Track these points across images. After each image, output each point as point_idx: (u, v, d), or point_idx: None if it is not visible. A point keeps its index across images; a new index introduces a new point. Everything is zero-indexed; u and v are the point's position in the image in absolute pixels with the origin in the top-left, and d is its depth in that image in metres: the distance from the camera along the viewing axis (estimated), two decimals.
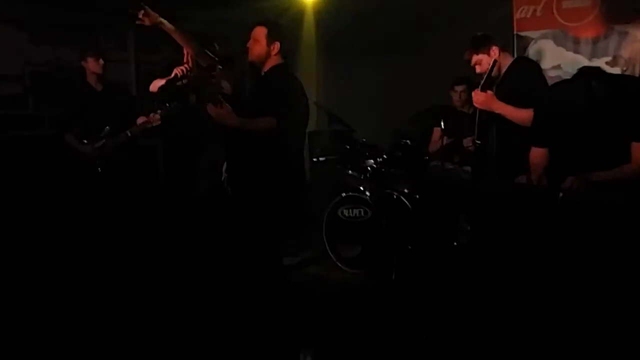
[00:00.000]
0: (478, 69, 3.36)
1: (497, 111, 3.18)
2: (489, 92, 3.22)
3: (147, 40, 5.63)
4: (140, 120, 4.11)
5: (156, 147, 5.19)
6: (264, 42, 3.09)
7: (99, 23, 5.59)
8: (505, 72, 3.30)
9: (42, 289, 3.68)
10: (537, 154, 2.80)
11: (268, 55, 3.10)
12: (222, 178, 3.36)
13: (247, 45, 3.17)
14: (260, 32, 3.10)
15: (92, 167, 4.16)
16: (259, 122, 2.96)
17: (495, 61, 3.24)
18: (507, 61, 3.31)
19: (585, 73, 2.58)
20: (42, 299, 3.52)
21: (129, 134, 4.10)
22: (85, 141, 4.17)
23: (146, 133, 4.16)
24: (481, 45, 3.31)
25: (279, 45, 3.09)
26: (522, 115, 3.07)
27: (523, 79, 3.21)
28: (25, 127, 5.24)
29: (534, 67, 3.38)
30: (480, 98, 3.21)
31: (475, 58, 3.34)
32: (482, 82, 3.25)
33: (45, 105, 5.36)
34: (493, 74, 3.28)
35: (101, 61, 4.24)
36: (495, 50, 3.27)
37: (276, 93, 3.03)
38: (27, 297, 3.53)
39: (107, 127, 4.13)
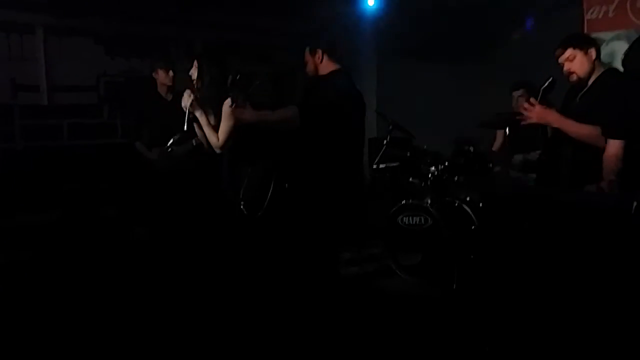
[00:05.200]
0: (567, 66, 3.04)
1: (554, 125, 2.99)
2: (540, 105, 3.01)
3: (214, 51, 5.82)
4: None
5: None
6: (309, 58, 3.32)
7: (169, 35, 5.84)
8: (593, 83, 3.03)
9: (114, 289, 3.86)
10: (614, 148, 2.64)
11: (316, 66, 3.30)
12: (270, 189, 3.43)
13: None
14: (305, 54, 3.34)
15: (159, 173, 4.35)
16: (276, 113, 3.17)
17: (553, 80, 3.01)
18: (596, 72, 3.03)
19: None
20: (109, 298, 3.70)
21: (194, 143, 4.23)
22: (153, 149, 4.37)
23: None
24: (582, 42, 3.03)
25: (321, 52, 3.26)
26: (583, 130, 2.90)
27: (608, 96, 2.91)
28: (99, 135, 5.54)
29: (623, 83, 2.95)
30: (535, 111, 2.98)
31: (569, 51, 3.02)
32: (540, 95, 3.06)
33: (118, 114, 5.66)
34: (581, 79, 3.02)
35: (171, 73, 4.42)
36: (593, 52, 3.00)
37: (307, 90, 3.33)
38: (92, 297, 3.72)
39: (175, 136, 4.30)
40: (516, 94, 4.42)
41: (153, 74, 4.48)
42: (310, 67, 3.33)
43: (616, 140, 2.64)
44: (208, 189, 4.13)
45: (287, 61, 5.86)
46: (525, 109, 3.04)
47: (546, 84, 3.06)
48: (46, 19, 5.16)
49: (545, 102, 3.10)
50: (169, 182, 4.34)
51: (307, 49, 3.30)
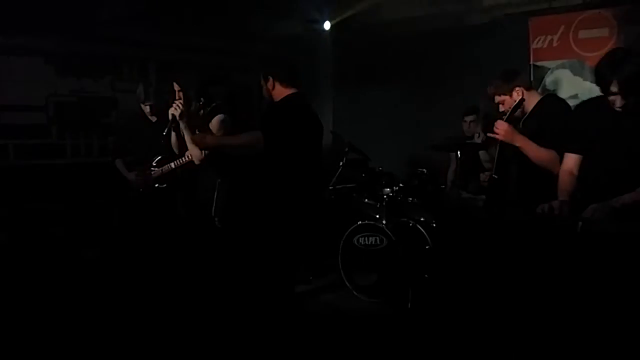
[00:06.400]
0: (502, 108, 3.26)
1: (517, 144, 3.07)
2: (509, 125, 3.10)
3: (167, 71, 5.80)
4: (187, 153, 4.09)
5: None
6: (263, 84, 3.33)
7: (122, 54, 5.75)
8: (533, 109, 3.20)
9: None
10: (570, 162, 2.73)
11: (270, 92, 3.31)
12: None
13: None
14: (261, 80, 3.34)
15: (134, 193, 4.33)
16: (240, 137, 3.26)
17: (522, 99, 3.16)
18: (534, 99, 3.21)
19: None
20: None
21: (173, 166, 4.17)
22: (132, 169, 4.36)
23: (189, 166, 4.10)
24: (505, 89, 3.22)
25: (272, 79, 3.27)
26: (542, 154, 3.00)
27: (551, 118, 3.08)
28: (48, 156, 5.37)
29: (563, 105, 3.21)
30: (503, 129, 3.09)
31: (497, 98, 3.27)
32: (508, 113, 3.18)
33: (68, 134, 5.51)
34: (517, 112, 3.20)
35: (153, 109, 4.37)
36: (519, 92, 3.19)
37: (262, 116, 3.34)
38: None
39: (158, 158, 4.26)
40: (468, 118, 4.58)
41: (140, 104, 4.42)
42: (265, 93, 3.32)
43: (571, 157, 2.73)
44: (181, 208, 4.15)
45: (245, 82, 5.87)
46: (496, 125, 3.13)
47: (517, 101, 3.17)
48: None
49: (514, 121, 3.20)
50: (144, 202, 4.31)
51: (261, 77, 3.29)
